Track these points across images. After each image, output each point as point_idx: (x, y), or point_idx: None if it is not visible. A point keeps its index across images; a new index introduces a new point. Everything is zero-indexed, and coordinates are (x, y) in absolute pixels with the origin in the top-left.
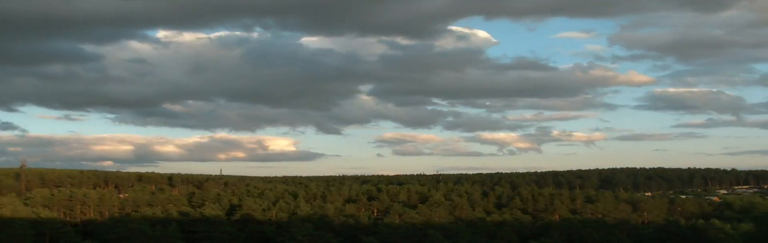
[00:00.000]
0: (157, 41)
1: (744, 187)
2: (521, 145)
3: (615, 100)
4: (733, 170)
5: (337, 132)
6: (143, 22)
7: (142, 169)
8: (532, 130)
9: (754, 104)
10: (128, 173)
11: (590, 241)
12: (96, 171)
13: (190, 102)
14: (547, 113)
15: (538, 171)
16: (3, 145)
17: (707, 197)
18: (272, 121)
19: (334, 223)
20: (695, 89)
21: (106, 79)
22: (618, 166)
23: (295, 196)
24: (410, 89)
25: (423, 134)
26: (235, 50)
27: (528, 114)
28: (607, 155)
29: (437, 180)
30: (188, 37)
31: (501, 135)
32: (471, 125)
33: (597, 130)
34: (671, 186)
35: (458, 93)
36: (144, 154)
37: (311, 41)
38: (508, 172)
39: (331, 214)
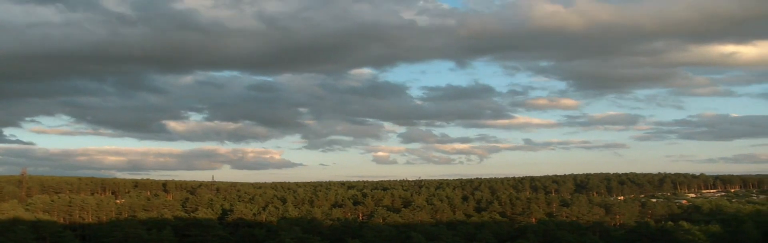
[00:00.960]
0: None
1: (712, 190)
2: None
3: None
4: (702, 175)
5: None
6: None
7: (138, 177)
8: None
9: None
10: (124, 180)
11: (565, 242)
12: (93, 178)
13: None
14: None
15: (516, 176)
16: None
17: (676, 200)
18: None
19: (322, 226)
20: None
21: None
22: (592, 172)
23: (284, 200)
24: None
25: None
26: None
27: None
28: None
29: (419, 185)
30: None
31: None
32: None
33: None
34: (642, 190)
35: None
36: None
37: None
38: (488, 177)
39: (318, 218)
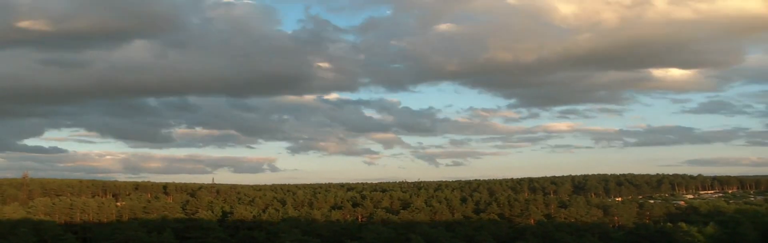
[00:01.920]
0: None
1: (709, 191)
2: None
3: None
4: (699, 176)
5: None
6: None
7: (139, 179)
8: None
9: None
10: (125, 182)
11: None
12: (94, 181)
13: None
14: None
15: (514, 177)
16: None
17: (674, 202)
18: None
19: (321, 228)
20: None
21: None
22: (590, 173)
23: (283, 203)
24: None
25: None
26: None
27: None
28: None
29: (418, 187)
30: None
31: None
32: None
33: None
34: (640, 191)
35: None
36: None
37: None
38: (486, 179)
39: (318, 220)
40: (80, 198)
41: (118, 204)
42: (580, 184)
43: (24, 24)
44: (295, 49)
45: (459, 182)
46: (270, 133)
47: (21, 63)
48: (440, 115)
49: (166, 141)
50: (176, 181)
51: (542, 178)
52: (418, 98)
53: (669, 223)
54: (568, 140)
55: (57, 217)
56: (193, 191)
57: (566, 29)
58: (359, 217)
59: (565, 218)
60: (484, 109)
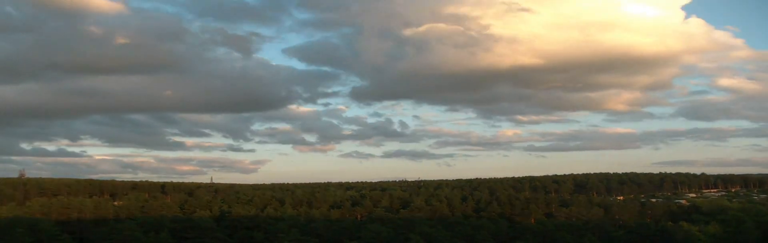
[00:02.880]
0: None
1: (712, 190)
2: None
3: None
4: (702, 174)
5: None
6: None
7: (136, 179)
8: None
9: None
10: (123, 182)
11: None
12: (92, 180)
13: None
14: None
15: (515, 176)
16: None
17: (676, 200)
18: None
19: (320, 227)
20: None
21: None
22: (591, 172)
23: (282, 202)
24: None
25: None
26: None
27: None
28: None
29: (418, 186)
30: None
31: None
32: None
33: None
34: (642, 190)
35: None
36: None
37: None
38: (487, 177)
39: (317, 219)
40: (77, 198)
41: (116, 203)
42: (581, 183)
43: None
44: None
45: (459, 181)
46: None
47: None
48: None
49: (164, 143)
50: (174, 181)
51: (544, 176)
52: None
53: (671, 222)
54: None
55: (54, 217)
56: (191, 191)
57: None
58: (358, 216)
59: (566, 217)
60: None
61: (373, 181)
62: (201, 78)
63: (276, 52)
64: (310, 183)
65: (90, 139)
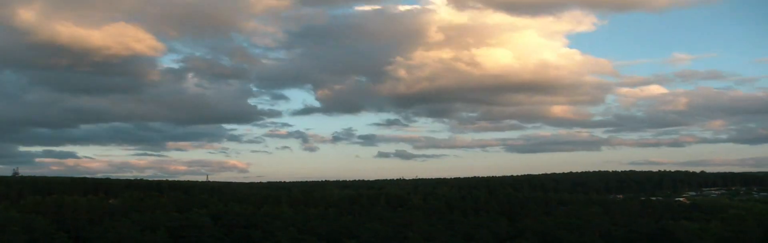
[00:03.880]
0: None
1: (712, 189)
2: None
3: None
4: (702, 173)
5: None
6: None
7: (132, 177)
8: None
9: None
10: (118, 180)
11: (563, 242)
12: (86, 178)
13: None
14: None
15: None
16: None
17: (676, 199)
18: None
19: (317, 226)
20: None
21: None
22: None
23: (279, 200)
24: None
25: None
26: None
27: None
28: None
29: (416, 184)
30: None
31: None
32: None
33: None
34: (642, 188)
35: None
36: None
37: None
38: (485, 176)
39: (314, 218)
40: (71, 196)
41: (111, 201)
42: (580, 182)
43: None
44: None
45: (458, 179)
46: None
47: None
48: None
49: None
50: (169, 179)
51: (543, 175)
52: None
53: (671, 221)
54: None
55: (48, 216)
56: (187, 189)
57: None
58: (356, 215)
59: (565, 216)
60: None
61: (370, 179)
62: None
63: None
64: (306, 181)
65: (86, 141)
